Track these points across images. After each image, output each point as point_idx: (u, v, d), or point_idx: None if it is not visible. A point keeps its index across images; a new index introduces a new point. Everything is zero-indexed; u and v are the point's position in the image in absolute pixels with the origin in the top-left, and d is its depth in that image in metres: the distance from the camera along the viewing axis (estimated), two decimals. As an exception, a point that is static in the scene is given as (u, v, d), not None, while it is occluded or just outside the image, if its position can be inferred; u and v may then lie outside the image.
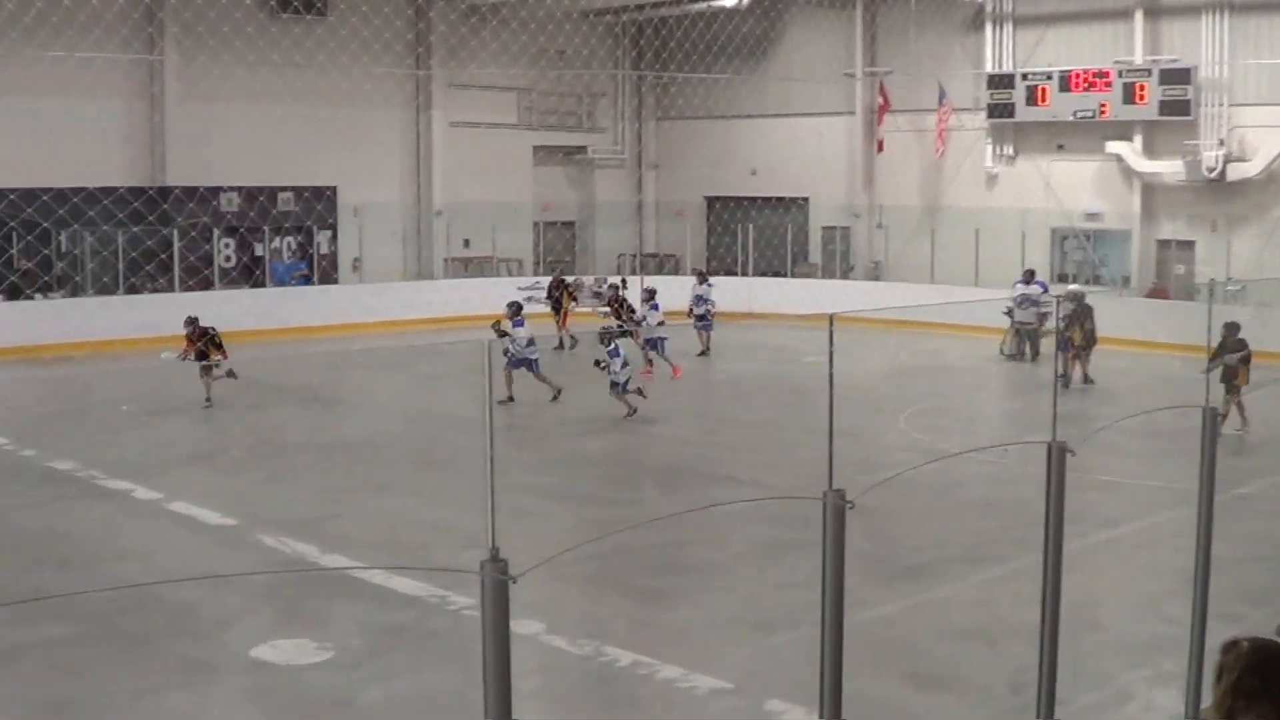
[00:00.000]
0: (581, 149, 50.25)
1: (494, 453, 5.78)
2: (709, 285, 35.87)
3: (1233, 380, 23.43)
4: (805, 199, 48.24)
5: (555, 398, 27.16)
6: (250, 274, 41.55)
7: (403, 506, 19.36)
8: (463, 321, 35.19)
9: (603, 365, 25.81)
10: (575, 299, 36.30)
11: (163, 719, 11.76)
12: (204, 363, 26.76)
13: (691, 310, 35.79)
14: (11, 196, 35.37)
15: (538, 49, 44.54)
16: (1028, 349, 33.23)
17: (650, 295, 31.50)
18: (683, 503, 19.41)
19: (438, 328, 36.90)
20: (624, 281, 36.28)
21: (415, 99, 45.46)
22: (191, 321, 27.49)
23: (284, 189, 42.19)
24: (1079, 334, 29.49)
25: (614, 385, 25.83)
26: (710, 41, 44.71)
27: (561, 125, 49.58)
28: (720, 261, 48.42)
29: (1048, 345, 32.51)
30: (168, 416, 26.57)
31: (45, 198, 35.81)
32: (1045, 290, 33.82)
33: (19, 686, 12.39)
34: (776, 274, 45.62)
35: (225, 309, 36.29)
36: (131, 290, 37.96)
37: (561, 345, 34.28)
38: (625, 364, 25.88)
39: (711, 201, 50.68)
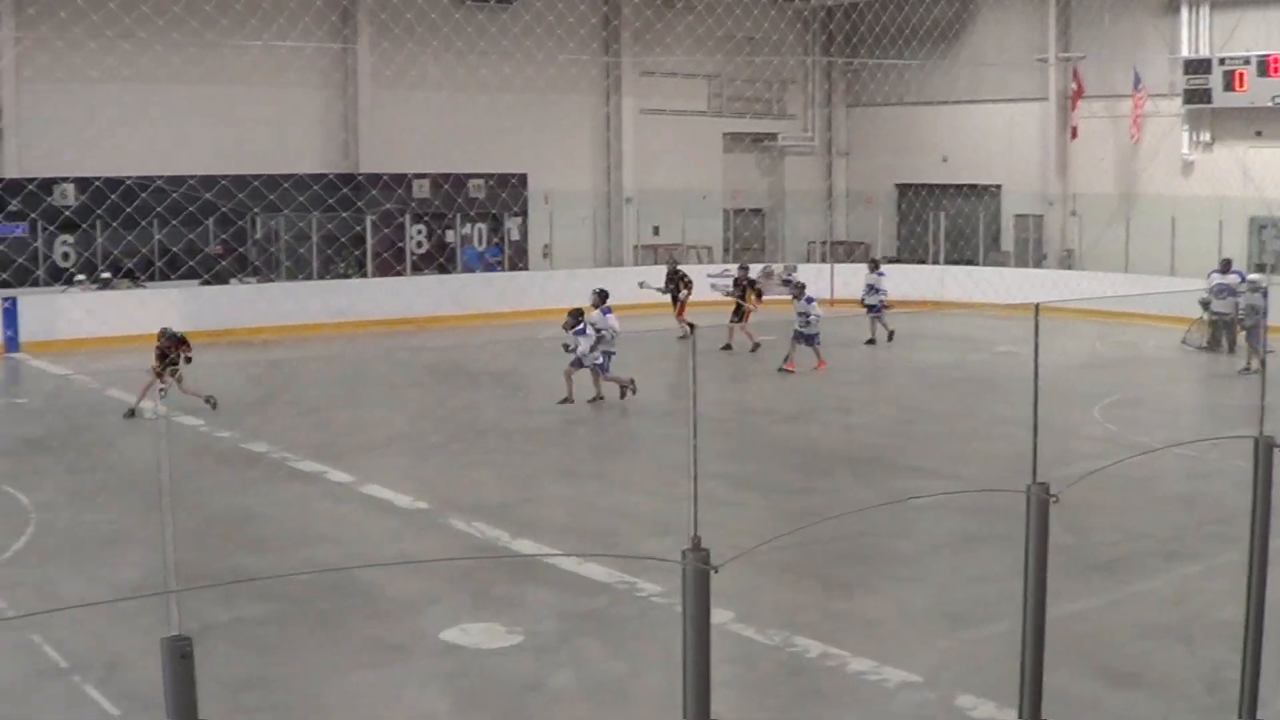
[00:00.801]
0: (771, 136, 50.12)
1: (696, 441, 5.73)
2: (881, 274, 35.40)
3: None
4: (997, 186, 47.68)
5: (626, 393, 26.06)
6: (439, 260, 41.94)
7: (589, 492, 19.42)
8: (651, 309, 35.19)
9: (570, 347, 25.50)
10: (757, 290, 35.41)
11: (354, 699, 11.87)
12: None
13: (863, 299, 35.42)
14: (202, 182, 36.05)
15: (728, 35, 44.48)
16: (1224, 340, 32.48)
17: (800, 290, 31.06)
18: (874, 493, 19.20)
19: (626, 314, 37.01)
20: (744, 268, 35.57)
21: (605, 85, 45.64)
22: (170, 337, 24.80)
23: (474, 176, 42.55)
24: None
25: (577, 364, 25.56)
26: (901, 27, 44.33)
27: (751, 112, 49.48)
28: (911, 250, 48.02)
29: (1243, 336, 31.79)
30: (358, 401, 26.91)
31: (239, 184, 36.46)
32: (1243, 280, 33.07)
33: (212, 664, 12.56)
34: (968, 262, 45.13)
35: (415, 294, 36.88)
36: (323, 275, 38.55)
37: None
38: (594, 345, 25.47)
39: (902, 189, 50.23)
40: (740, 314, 33.36)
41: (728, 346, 32.83)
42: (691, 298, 35.47)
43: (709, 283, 35.66)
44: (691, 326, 32.70)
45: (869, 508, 17.40)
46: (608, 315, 26.00)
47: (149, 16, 32.68)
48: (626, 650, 12.98)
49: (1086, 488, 17.29)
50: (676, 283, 35.24)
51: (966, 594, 14.52)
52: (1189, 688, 12.20)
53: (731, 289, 34.58)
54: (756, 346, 32.64)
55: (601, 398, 25.77)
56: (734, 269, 36.79)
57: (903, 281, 39.67)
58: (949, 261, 44.64)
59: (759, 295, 34.17)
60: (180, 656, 5.65)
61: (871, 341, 34.35)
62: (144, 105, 36.02)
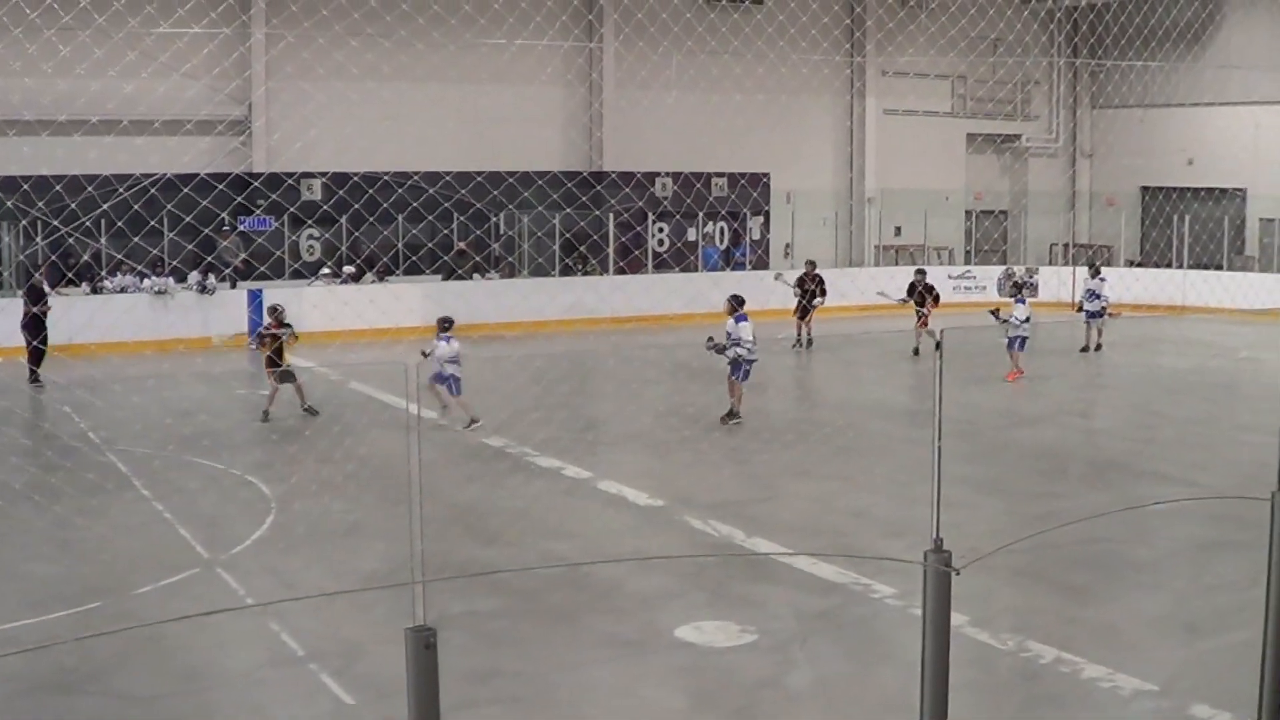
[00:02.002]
0: (1015, 137, 49.66)
1: (940, 444, 5.79)
2: (1102, 280, 34.18)
3: None
4: (1243, 190, 46.68)
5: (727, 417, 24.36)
6: (688, 258, 42.23)
7: (825, 492, 19.41)
8: (890, 311, 35.05)
9: (720, 348, 24.20)
10: (935, 295, 34.08)
11: (587, 693, 12.06)
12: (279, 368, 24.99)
13: (1082, 305, 34.48)
14: (449, 179, 36.74)
15: (972, 36, 44.08)
16: None
17: (1018, 289, 30.55)
18: (1113, 498, 18.98)
19: (864, 314, 36.96)
20: (921, 272, 34.90)
21: (848, 86, 45.62)
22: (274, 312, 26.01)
23: (717, 174, 42.80)
24: None
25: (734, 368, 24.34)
26: (1147, 27, 43.59)
27: (995, 113, 49.08)
28: (1155, 253, 47.22)
29: None
30: (597, 397, 27.23)
31: (482, 179, 37.08)
32: None
33: (447, 655, 12.80)
34: (1216, 267, 44.25)
35: (659, 292, 37.17)
36: (566, 272, 39.05)
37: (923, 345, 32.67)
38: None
39: (1146, 191, 49.39)
40: (919, 318, 32.94)
41: (916, 350, 32.33)
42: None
43: (951, 285, 35.10)
44: (929, 332, 32.19)
45: (1108, 513, 17.23)
46: (742, 323, 24.27)
47: (409, 15, 33.31)
48: (860, 651, 13.03)
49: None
50: (922, 294, 34.16)
51: (1204, 602, 14.31)
52: None
53: (905, 296, 34.08)
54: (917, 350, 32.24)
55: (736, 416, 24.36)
56: (977, 271, 36.24)
57: (1150, 284, 38.99)
58: (1193, 265, 43.75)
59: (936, 300, 33.45)
60: (424, 647, 5.85)
61: (1087, 349, 33.44)
62: (396, 103, 36.91)
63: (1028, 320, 29.44)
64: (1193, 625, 13.76)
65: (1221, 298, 38.05)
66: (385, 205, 34.48)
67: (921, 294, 33.81)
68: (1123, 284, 36.67)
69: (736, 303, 24.69)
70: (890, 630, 13.32)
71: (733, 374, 24.17)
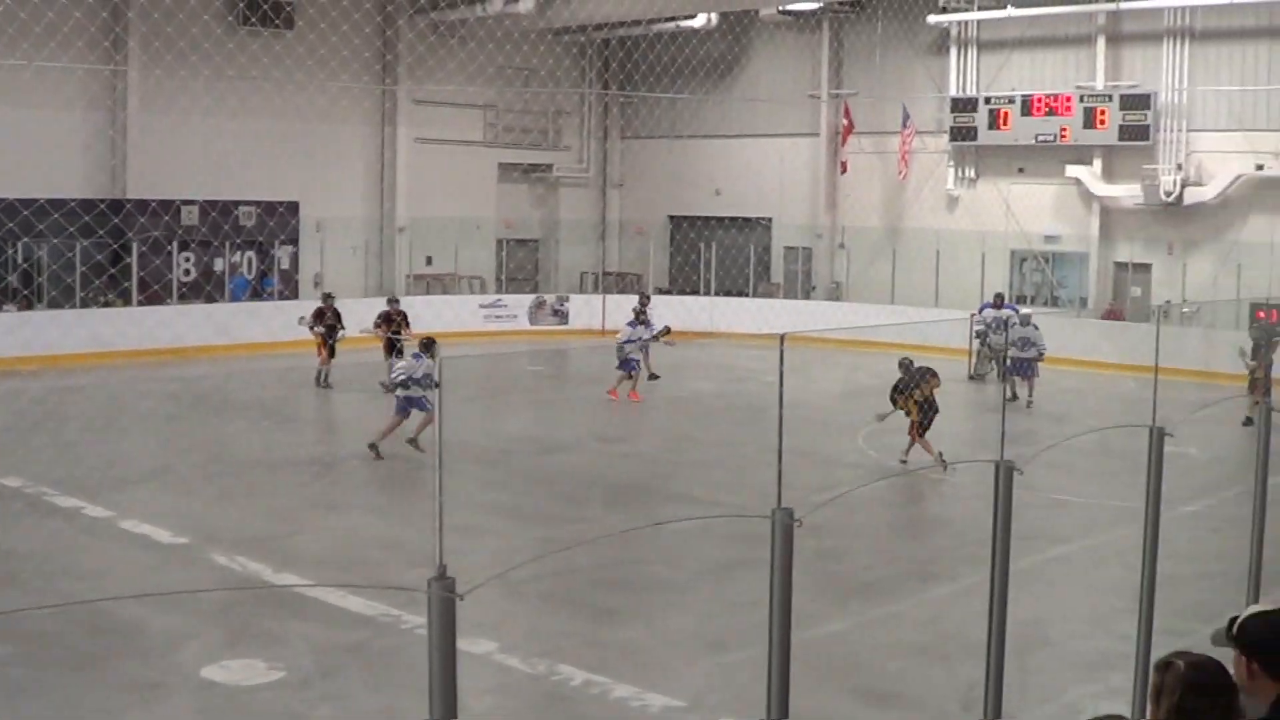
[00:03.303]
0: (546, 167, 50.22)
1: (443, 470, 5.74)
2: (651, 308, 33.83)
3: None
4: (768, 219, 48.43)
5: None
6: (206, 289, 41.19)
7: (356, 525, 19.26)
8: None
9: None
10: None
11: (110, 737, 11.67)
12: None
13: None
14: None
15: (504, 66, 44.51)
16: (999, 371, 33.21)
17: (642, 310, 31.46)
18: (638, 521, 19.36)
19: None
20: (394, 300, 34.54)
21: (380, 114, 45.39)
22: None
23: (245, 203, 42.00)
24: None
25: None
26: (676, 61, 44.75)
27: (526, 143, 49.54)
28: (683, 281, 48.53)
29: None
30: (118, 432, 26.42)
31: (3, 210, 35.61)
32: (1016, 313, 34.03)
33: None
34: (739, 294, 45.71)
35: (182, 324, 36.22)
36: (85, 304, 37.71)
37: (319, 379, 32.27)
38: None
39: (675, 220, 50.77)
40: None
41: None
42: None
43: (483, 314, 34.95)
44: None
45: (617, 533, 17.56)
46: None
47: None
48: (388, 683, 12.89)
49: (845, 512, 17.70)
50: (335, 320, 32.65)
51: (728, 619, 14.68)
52: (944, 705, 12.50)
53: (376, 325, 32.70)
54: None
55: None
56: (507, 299, 36.21)
57: (680, 311, 40.00)
58: (720, 293, 45.14)
59: (393, 328, 32.27)
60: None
61: (657, 377, 33.70)
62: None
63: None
64: (717, 641, 14.09)
65: (748, 324, 39.20)
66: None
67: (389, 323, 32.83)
68: (653, 311, 37.43)
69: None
70: (419, 661, 13.19)
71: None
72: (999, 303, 34.74)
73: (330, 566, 16.97)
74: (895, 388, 24.08)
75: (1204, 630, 13.42)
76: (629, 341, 30.81)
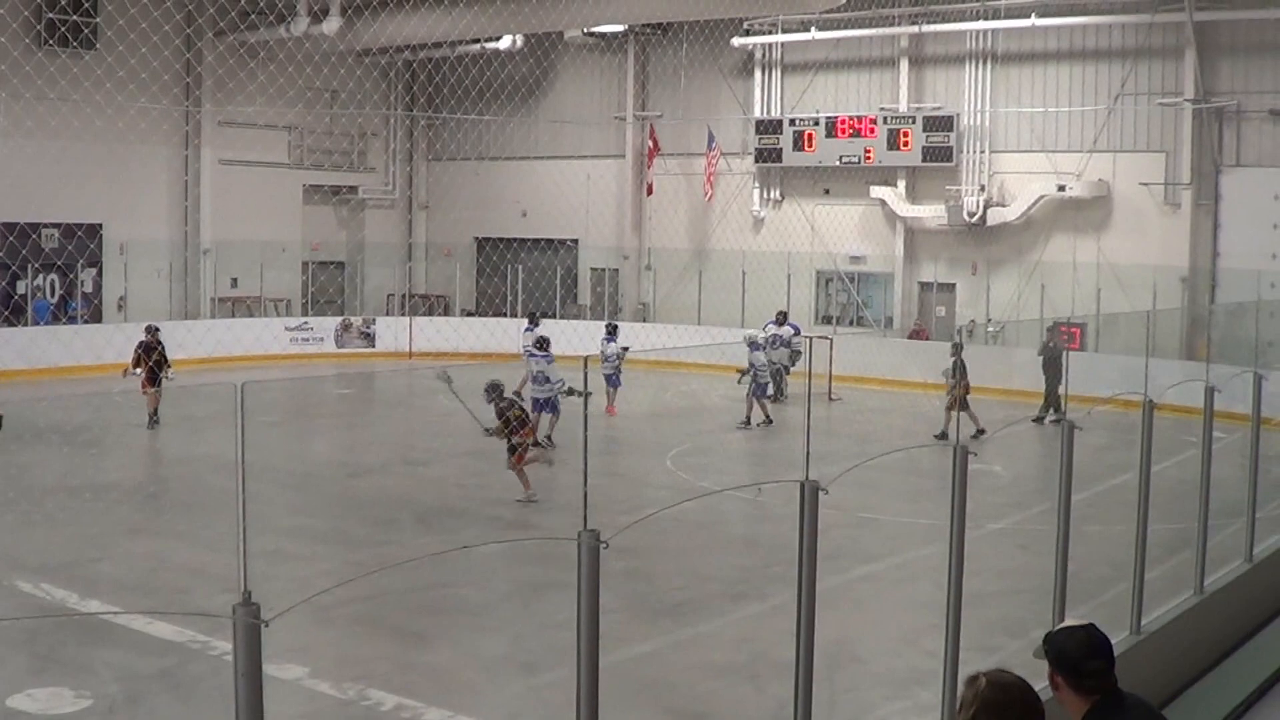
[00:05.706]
0: (352, 189, 50.02)
1: (245, 495, 5.76)
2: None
3: None
4: (575, 241, 48.64)
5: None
6: (5, 313, 40.38)
7: (164, 550, 18.97)
8: (229, 361, 34.67)
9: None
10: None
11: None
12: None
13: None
14: None
15: (309, 87, 44.19)
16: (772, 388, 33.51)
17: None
18: (446, 544, 19.33)
19: (202, 368, 36.34)
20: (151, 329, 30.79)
21: (184, 135, 44.88)
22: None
23: (47, 225, 41.26)
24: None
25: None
26: (481, 83, 44.78)
27: (332, 165, 49.31)
28: (489, 303, 48.53)
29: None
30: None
31: None
32: (798, 332, 34.50)
33: None
34: (545, 315, 45.74)
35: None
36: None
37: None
38: None
39: (482, 242, 50.79)
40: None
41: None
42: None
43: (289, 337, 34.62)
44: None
45: (425, 556, 17.53)
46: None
47: None
48: (196, 710, 12.76)
49: (654, 533, 17.83)
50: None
51: (539, 640, 14.74)
52: (754, 725, 12.66)
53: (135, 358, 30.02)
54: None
55: None
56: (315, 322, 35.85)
57: (483, 334, 40.05)
58: (527, 314, 45.11)
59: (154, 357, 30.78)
60: None
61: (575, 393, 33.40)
62: None
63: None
64: (528, 663, 14.14)
65: (556, 346, 39.20)
66: None
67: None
68: (457, 335, 37.48)
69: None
70: (227, 686, 13.05)
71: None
72: (781, 320, 35.06)
73: (136, 592, 16.75)
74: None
75: (1012, 645, 13.83)
76: (607, 360, 30.92)
